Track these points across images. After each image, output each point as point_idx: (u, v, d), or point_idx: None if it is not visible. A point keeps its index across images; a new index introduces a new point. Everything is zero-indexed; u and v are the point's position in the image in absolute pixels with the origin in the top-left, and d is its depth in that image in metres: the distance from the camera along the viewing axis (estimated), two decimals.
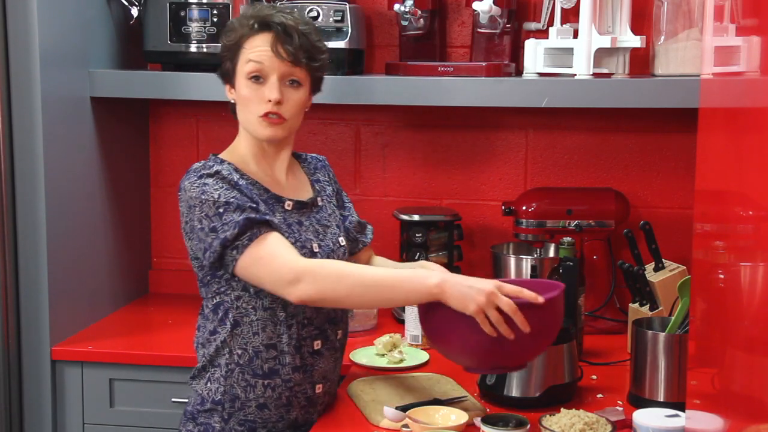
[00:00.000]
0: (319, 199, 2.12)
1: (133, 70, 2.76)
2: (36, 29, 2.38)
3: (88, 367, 2.52)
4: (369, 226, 2.27)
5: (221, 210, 1.90)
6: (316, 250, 2.01)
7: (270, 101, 1.96)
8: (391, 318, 2.77)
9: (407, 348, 2.46)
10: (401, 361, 2.37)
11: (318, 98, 2.56)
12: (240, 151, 2.05)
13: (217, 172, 1.94)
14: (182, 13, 2.66)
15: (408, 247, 2.73)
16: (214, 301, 1.99)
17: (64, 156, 2.53)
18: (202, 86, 2.61)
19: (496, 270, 2.72)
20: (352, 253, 2.18)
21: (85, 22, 2.62)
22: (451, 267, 2.74)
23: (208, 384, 2.01)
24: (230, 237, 1.88)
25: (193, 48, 2.68)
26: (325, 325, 2.04)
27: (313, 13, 2.64)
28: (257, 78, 1.97)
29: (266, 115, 1.97)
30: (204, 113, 3.00)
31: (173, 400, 2.48)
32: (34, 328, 2.48)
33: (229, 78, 2.03)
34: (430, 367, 2.37)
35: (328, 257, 2.03)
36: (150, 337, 2.71)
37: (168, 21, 2.67)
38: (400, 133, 2.93)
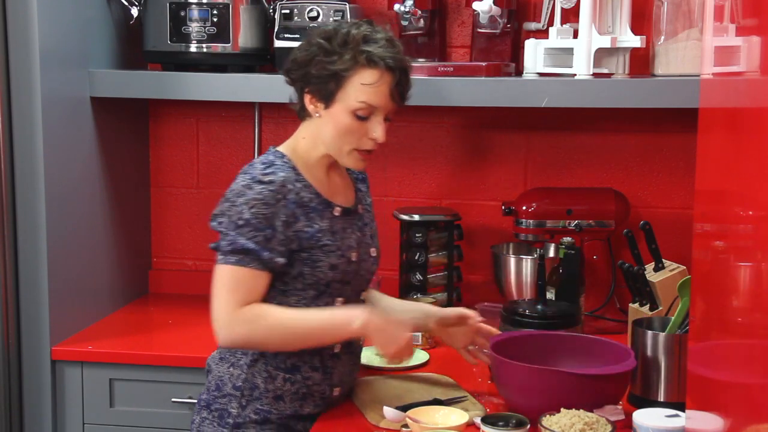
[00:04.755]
0: (360, 206, 2.14)
1: (133, 70, 2.76)
2: (36, 29, 2.38)
3: (88, 367, 2.52)
4: None
5: (240, 223, 1.92)
6: (354, 259, 2.05)
7: (373, 140, 1.98)
8: None
9: None
10: (401, 361, 2.37)
11: None
12: (304, 152, 2.04)
13: (271, 182, 1.93)
14: (182, 13, 2.66)
15: (408, 247, 2.73)
16: None
17: (64, 156, 2.53)
18: (202, 86, 2.61)
19: (496, 270, 2.72)
20: None
21: (85, 22, 2.62)
22: (451, 267, 2.75)
23: (231, 369, 2.03)
24: (223, 249, 1.94)
25: (193, 48, 2.67)
26: None
27: (313, 13, 2.64)
28: (364, 116, 1.97)
29: (363, 150, 2.00)
30: (204, 113, 3.00)
31: (173, 400, 2.48)
32: (34, 328, 2.48)
33: (321, 97, 1.97)
34: (430, 367, 2.37)
35: (361, 266, 2.08)
36: (150, 337, 2.71)
37: (168, 21, 2.67)
38: (400, 132, 2.93)
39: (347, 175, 2.16)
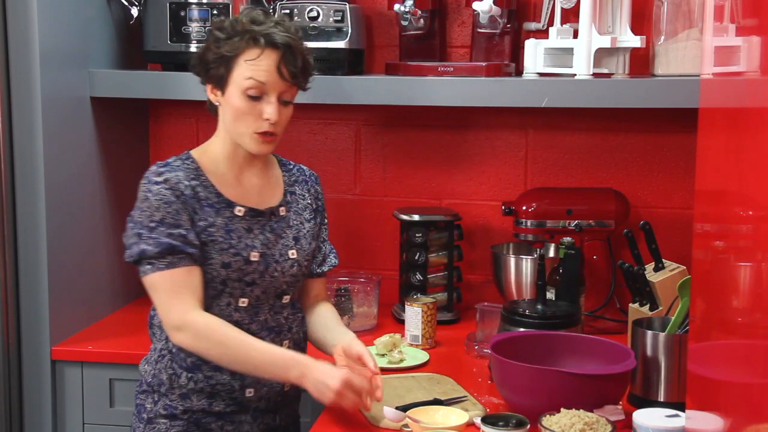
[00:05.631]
0: (282, 209, 2.12)
1: (133, 70, 2.76)
2: (36, 29, 2.38)
3: (88, 367, 2.52)
4: (331, 259, 2.24)
5: (152, 225, 1.97)
6: (254, 259, 2.03)
7: (267, 120, 1.99)
8: (391, 318, 2.77)
9: (407, 348, 2.46)
10: (401, 361, 2.37)
11: (318, 98, 2.57)
12: (214, 151, 2.09)
13: (166, 180, 1.98)
14: (182, 13, 2.66)
15: (408, 247, 2.73)
16: None
17: (64, 156, 2.53)
18: (202, 86, 2.60)
19: (496, 270, 2.72)
20: (308, 276, 2.18)
21: (85, 22, 2.62)
22: (451, 267, 2.75)
23: (146, 365, 2.10)
24: (149, 253, 1.96)
25: (193, 48, 2.67)
26: (262, 333, 2.06)
27: (313, 13, 2.64)
28: (256, 96, 1.99)
29: (262, 133, 2.01)
30: (204, 113, 2.96)
31: None
32: (34, 328, 2.48)
33: (217, 83, 2.03)
34: (430, 367, 2.37)
35: (270, 267, 2.05)
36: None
37: (168, 21, 2.67)
38: (400, 133, 2.93)
39: (277, 176, 2.16)
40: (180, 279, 1.96)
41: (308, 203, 2.19)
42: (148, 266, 1.97)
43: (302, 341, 2.16)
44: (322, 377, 1.92)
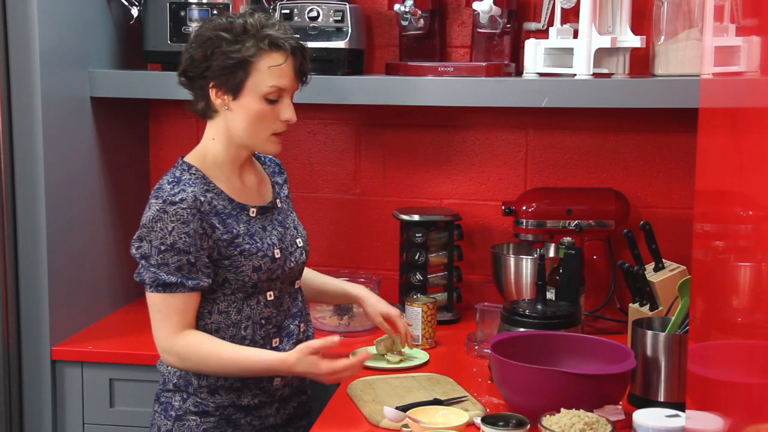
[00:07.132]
0: (278, 200, 2.16)
1: (133, 70, 2.76)
2: (36, 29, 2.38)
3: (88, 367, 2.52)
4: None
5: (164, 248, 1.95)
6: (277, 256, 2.07)
7: (285, 121, 2.02)
8: None
9: (407, 348, 2.46)
10: (401, 361, 2.37)
11: (318, 98, 2.56)
12: (212, 157, 2.06)
13: (182, 200, 1.95)
14: (182, 13, 2.66)
15: (408, 247, 2.73)
16: None
17: (64, 156, 2.53)
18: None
19: (496, 270, 2.72)
20: None
21: (85, 22, 2.62)
22: (451, 267, 2.75)
23: (169, 366, 2.08)
24: (146, 283, 2.00)
25: None
26: (285, 322, 2.12)
27: (313, 13, 2.64)
28: (274, 99, 2.00)
29: (278, 133, 2.03)
30: None
31: None
32: (34, 328, 2.48)
33: (229, 88, 1.98)
34: (430, 367, 2.37)
35: (288, 260, 2.10)
36: (150, 337, 2.67)
37: (168, 21, 2.67)
38: (400, 133, 2.93)
39: (262, 171, 2.19)
40: (173, 304, 1.99)
41: (287, 192, 2.24)
42: (147, 288, 2.02)
43: (310, 321, 2.25)
44: (305, 370, 1.99)
